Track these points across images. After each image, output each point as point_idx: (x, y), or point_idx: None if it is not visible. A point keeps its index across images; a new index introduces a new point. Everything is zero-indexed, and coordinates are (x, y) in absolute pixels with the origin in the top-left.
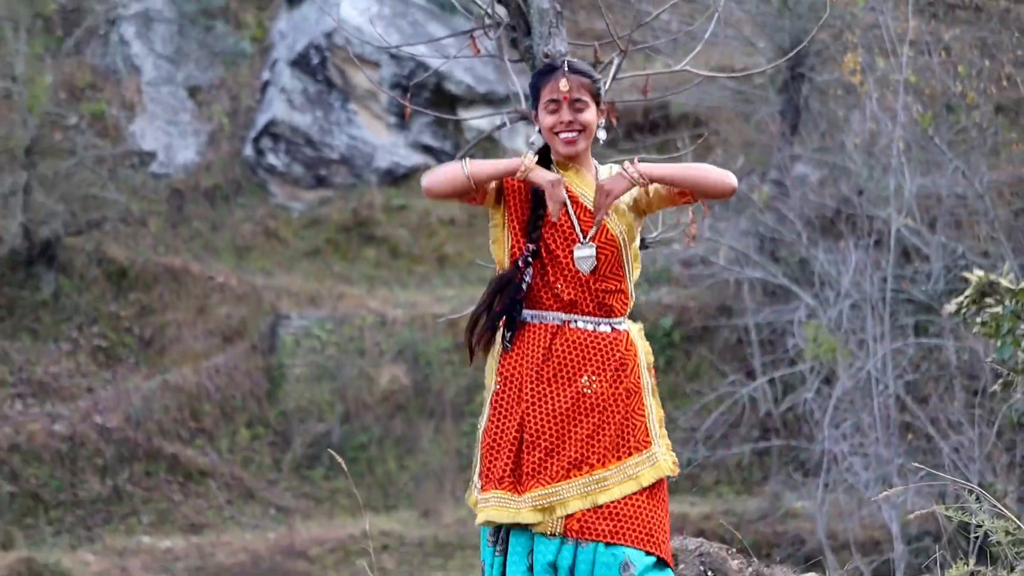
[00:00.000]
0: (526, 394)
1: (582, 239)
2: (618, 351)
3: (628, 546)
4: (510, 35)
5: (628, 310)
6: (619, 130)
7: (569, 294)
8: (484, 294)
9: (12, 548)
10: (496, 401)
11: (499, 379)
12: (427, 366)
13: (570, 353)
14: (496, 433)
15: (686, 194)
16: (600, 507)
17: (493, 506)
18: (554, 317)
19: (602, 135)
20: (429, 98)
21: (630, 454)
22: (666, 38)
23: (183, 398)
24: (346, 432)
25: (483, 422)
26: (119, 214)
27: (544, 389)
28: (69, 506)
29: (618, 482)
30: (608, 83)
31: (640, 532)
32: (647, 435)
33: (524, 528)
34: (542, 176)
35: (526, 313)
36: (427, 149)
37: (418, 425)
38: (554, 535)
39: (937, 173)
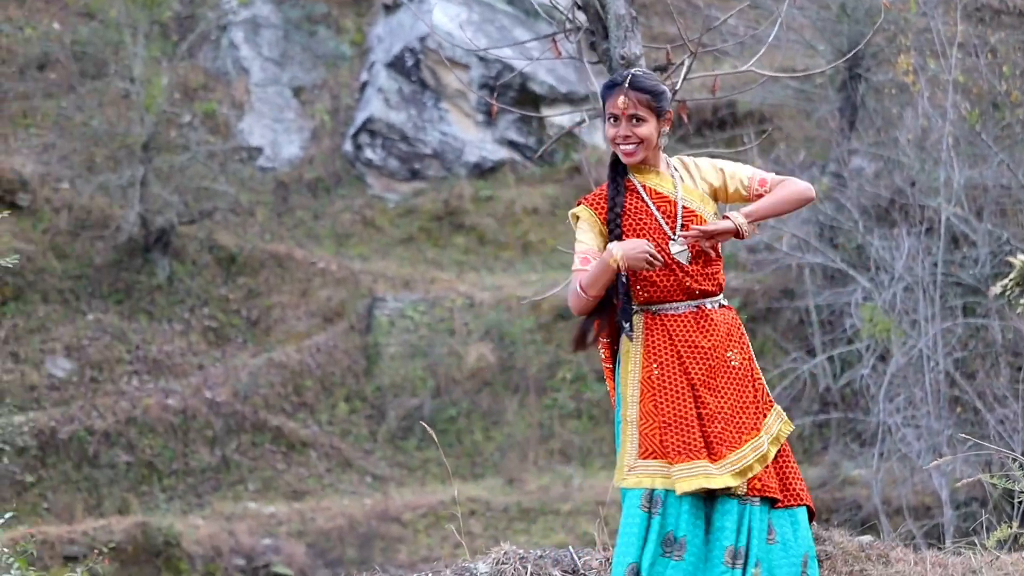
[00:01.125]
0: (694, 374)
1: (672, 236)
2: (737, 325)
3: (795, 506)
4: (589, 39)
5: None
6: (690, 126)
7: (691, 282)
8: (591, 300)
9: (128, 513)
10: (657, 383)
11: (654, 365)
12: (512, 345)
13: (713, 333)
14: (670, 411)
15: (761, 195)
16: (767, 466)
17: (700, 474)
18: (686, 306)
19: (663, 141)
20: (514, 97)
21: (766, 415)
22: (733, 41)
23: (286, 374)
24: (437, 406)
25: (635, 405)
26: (228, 204)
27: (708, 368)
28: (181, 475)
29: (769, 441)
30: (680, 82)
31: (797, 488)
32: (767, 395)
33: (694, 493)
34: (631, 254)
35: (657, 306)
36: (512, 144)
37: (503, 399)
38: (742, 496)
39: (984, 165)
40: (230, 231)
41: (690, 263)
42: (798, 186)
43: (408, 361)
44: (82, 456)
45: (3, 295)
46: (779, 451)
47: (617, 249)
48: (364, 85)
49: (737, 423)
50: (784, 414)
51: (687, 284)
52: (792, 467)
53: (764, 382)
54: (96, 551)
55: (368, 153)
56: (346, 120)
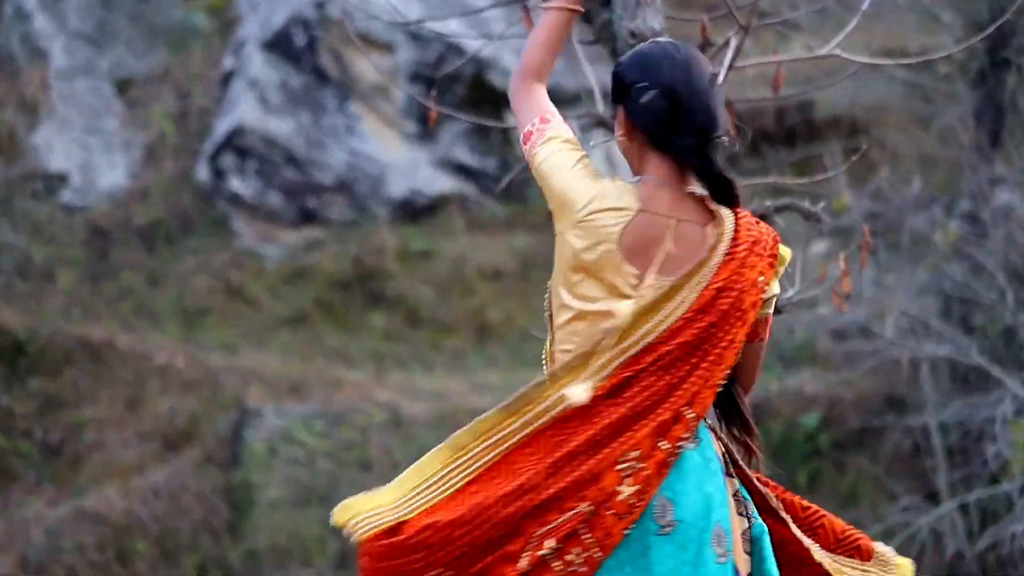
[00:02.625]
0: None
1: None
2: None
3: None
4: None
5: None
6: (739, 142)
7: None
8: None
9: None
10: None
11: None
12: None
13: None
14: None
15: None
16: None
17: None
18: None
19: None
20: (464, 96)
21: None
22: (807, 9)
23: (106, 533)
24: None
25: None
26: (15, 264)
27: None
28: None
29: None
30: (724, 73)
31: None
32: None
33: None
34: None
35: None
36: (462, 170)
37: None
38: None
39: None
40: (17, 306)
41: None
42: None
43: (298, 511)
44: None
45: None
46: None
47: None
48: (228, 77)
49: None
50: None
51: None
52: None
53: None
54: None
55: (235, 183)
56: (200, 132)
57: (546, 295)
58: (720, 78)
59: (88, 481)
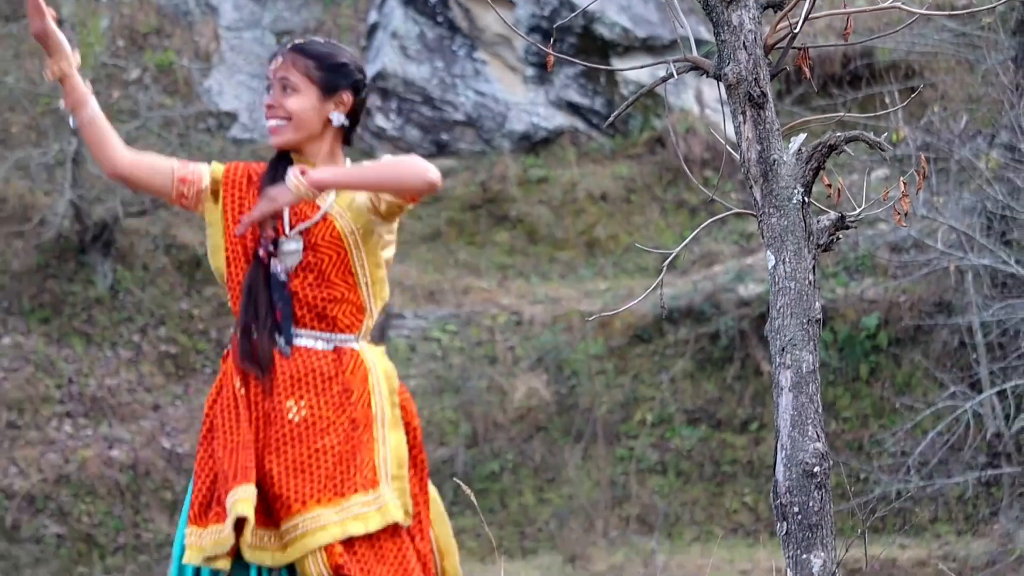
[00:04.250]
0: (222, 420)
1: (287, 232)
2: (335, 372)
3: None
4: None
5: (362, 327)
6: (813, 82)
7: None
8: (243, 305)
9: None
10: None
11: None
12: (573, 376)
13: (279, 374)
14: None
15: (404, 197)
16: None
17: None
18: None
19: (336, 120)
20: (576, 44)
21: (355, 491)
22: None
23: None
24: (473, 458)
25: None
26: None
27: (253, 411)
28: (130, 551)
29: (339, 521)
30: (800, 23)
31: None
32: (375, 473)
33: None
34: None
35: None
36: (573, 108)
37: (562, 449)
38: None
39: None
40: (194, 225)
41: (296, 274)
42: (411, 164)
43: (434, 398)
44: None
45: None
46: (370, 540)
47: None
48: (373, 28)
49: (289, 488)
50: (400, 502)
51: (280, 306)
52: (410, 564)
53: (380, 456)
54: None
55: (379, 120)
56: None
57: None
58: (797, 27)
59: None
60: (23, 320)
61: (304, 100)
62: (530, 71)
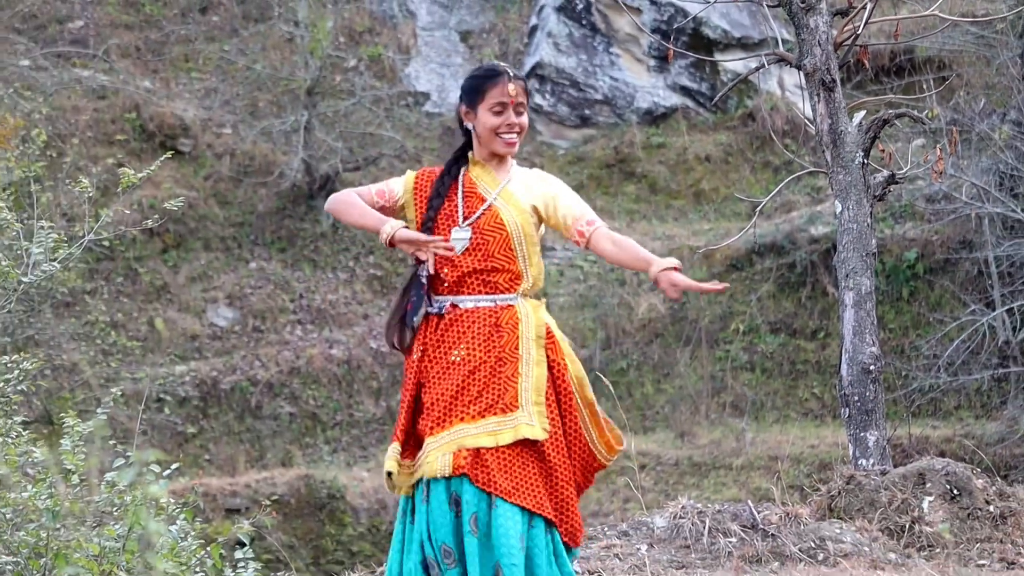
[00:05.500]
0: (421, 368)
1: (461, 222)
2: (491, 321)
3: (518, 505)
4: None
5: (521, 287)
6: (869, 72)
7: (453, 276)
8: (397, 297)
9: (292, 465)
10: (406, 372)
11: (417, 351)
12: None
13: (449, 330)
14: (403, 395)
15: (578, 242)
16: (480, 454)
17: (390, 456)
18: (442, 302)
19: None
20: (687, 42)
21: (494, 414)
22: None
23: None
24: (607, 357)
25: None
26: (394, 151)
27: (430, 364)
28: (345, 426)
29: (474, 435)
30: (862, 26)
31: (533, 493)
32: (515, 400)
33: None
34: (406, 238)
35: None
36: (685, 90)
37: (674, 351)
38: (448, 477)
39: None
40: (396, 177)
41: (466, 253)
42: (634, 249)
43: (578, 312)
44: (244, 407)
45: (165, 243)
46: (509, 449)
47: (395, 230)
48: (533, 29)
49: (440, 410)
50: (538, 423)
51: (449, 279)
52: (523, 471)
53: (523, 386)
54: (260, 504)
55: (537, 99)
56: (515, 65)
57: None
58: (859, 29)
59: None
60: (266, 249)
61: (526, 116)
62: (652, 62)
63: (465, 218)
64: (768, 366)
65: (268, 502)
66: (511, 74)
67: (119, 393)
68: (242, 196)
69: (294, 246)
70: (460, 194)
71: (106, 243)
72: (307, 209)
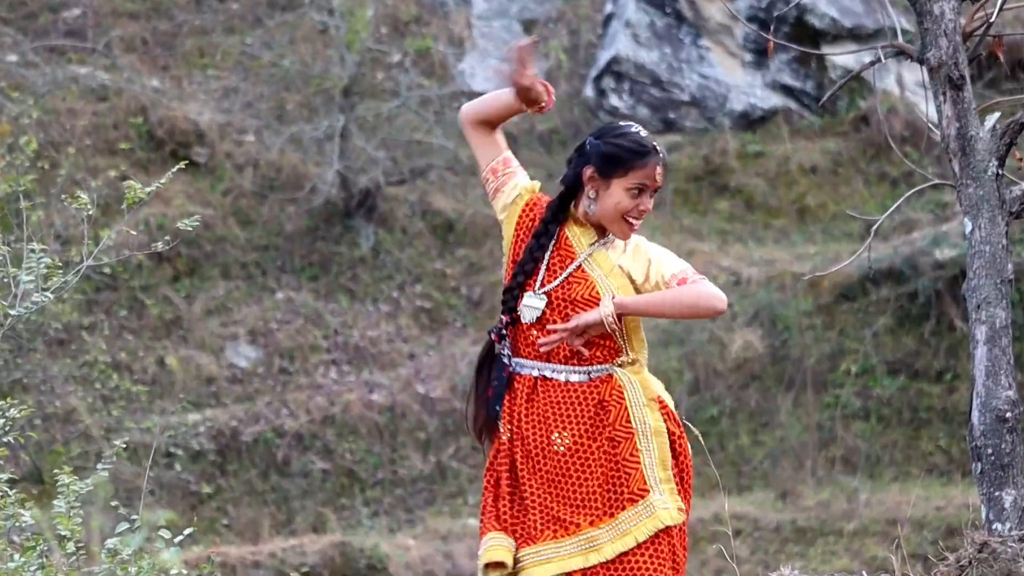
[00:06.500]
0: (517, 449)
1: (536, 288)
2: (593, 400)
3: None
4: None
5: (619, 359)
6: (1003, 67)
7: (531, 340)
8: (473, 378)
9: (325, 531)
10: (496, 448)
11: (508, 427)
12: (785, 331)
13: (544, 408)
14: (490, 480)
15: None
16: (593, 568)
17: (495, 546)
18: (531, 366)
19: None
20: (788, 33)
21: (623, 508)
22: None
23: None
24: (695, 403)
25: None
26: (446, 161)
27: (526, 448)
28: (388, 485)
29: (609, 540)
30: (995, 13)
31: None
32: (643, 483)
33: None
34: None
35: (516, 362)
36: (786, 90)
37: (775, 396)
38: None
39: None
40: (448, 193)
41: (535, 323)
42: (701, 291)
43: (661, 349)
44: (269, 463)
45: (176, 269)
46: (644, 548)
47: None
48: (608, 18)
49: (547, 514)
50: (672, 504)
51: (531, 340)
52: (659, 571)
53: (647, 464)
54: None
55: (613, 99)
56: (587, 60)
57: None
58: (992, 17)
59: None
60: (295, 277)
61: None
62: (748, 56)
63: (544, 284)
64: (885, 414)
65: (297, 574)
66: (662, 156)
67: (123, 446)
68: (267, 215)
69: (328, 273)
70: (549, 247)
71: (107, 270)
72: (343, 230)
